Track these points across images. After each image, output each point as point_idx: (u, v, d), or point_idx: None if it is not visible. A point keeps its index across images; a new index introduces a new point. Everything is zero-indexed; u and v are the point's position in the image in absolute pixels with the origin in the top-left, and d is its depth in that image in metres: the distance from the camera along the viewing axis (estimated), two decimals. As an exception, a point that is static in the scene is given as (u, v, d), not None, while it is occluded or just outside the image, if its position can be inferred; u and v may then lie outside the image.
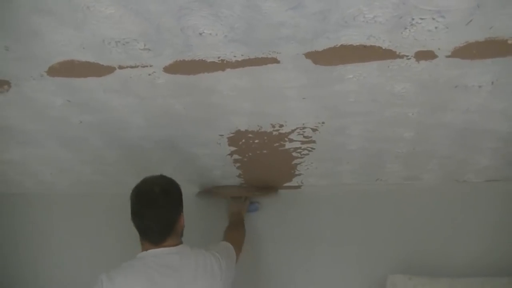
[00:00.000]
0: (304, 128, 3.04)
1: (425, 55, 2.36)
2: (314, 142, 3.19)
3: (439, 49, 2.32)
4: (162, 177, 2.95)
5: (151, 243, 2.87)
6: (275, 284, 3.72)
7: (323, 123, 2.98)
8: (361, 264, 3.62)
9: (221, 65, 2.46)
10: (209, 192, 3.88)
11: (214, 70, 2.49)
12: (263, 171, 3.59)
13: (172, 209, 2.90)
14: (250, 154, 3.35)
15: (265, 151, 3.30)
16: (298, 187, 3.82)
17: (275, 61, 2.41)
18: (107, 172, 3.68)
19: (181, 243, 2.94)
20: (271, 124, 3.01)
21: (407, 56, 2.37)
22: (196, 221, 3.44)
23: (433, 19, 2.13)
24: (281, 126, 3.02)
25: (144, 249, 2.88)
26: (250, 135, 3.11)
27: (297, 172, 3.62)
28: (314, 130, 3.05)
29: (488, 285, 3.27)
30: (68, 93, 2.75)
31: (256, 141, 3.17)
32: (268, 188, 3.85)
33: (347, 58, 2.39)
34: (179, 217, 2.93)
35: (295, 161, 3.45)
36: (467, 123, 2.94)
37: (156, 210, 2.84)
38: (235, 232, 3.50)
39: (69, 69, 2.52)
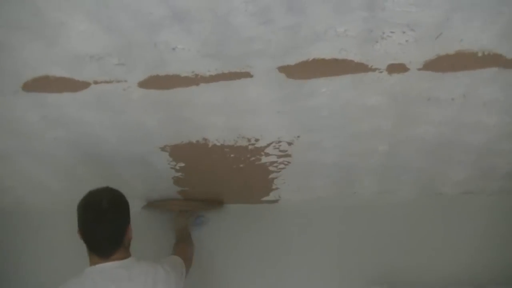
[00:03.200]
0: (279, 142, 3.05)
1: (397, 68, 2.39)
2: (290, 156, 3.19)
3: (410, 62, 2.36)
4: (109, 190, 2.90)
5: (100, 256, 2.81)
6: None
7: (298, 137, 2.99)
8: (338, 279, 3.61)
9: (195, 80, 2.48)
10: (153, 205, 3.83)
11: (188, 84, 2.51)
12: (240, 185, 3.58)
13: (120, 222, 2.85)
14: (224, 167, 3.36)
15: (241, 165, 3.30)
16: (275, 201, 3.79)
17: (248, 75, 2.43)
18: (81, 189, 3.64)
19: (129, 255, 2.88)
20: (247, 139, 3.02)
21: (379, 69, 2.40)
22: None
23: (403, 32, 2.17)
24: (256, 140, 3.03)
25: (92, 263, 2.82)
26: (226, 149, 3.11)
27: (274, 186, 3.61)
28: (289, 144, 3.06)
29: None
30: (42, 109, 2.74)
31: (232, 155, 3.18)
32: (213, 201, 3.82)
33: (320, 71, 2.41)
34: (127, 229, 2.87)
35: (272, 175, 3.45)
36: (440, 136, 2.96)
37: (105, 224, 2.80)
38: (183, 247, 3.45)
39: (44, 84, 2.53)
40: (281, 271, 3.70)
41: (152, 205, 3.81)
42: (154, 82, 2.50)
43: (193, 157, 3.21)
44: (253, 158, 3.23)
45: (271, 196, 3.75)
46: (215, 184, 3.60)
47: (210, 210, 3.84)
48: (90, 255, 2.84)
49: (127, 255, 2.86)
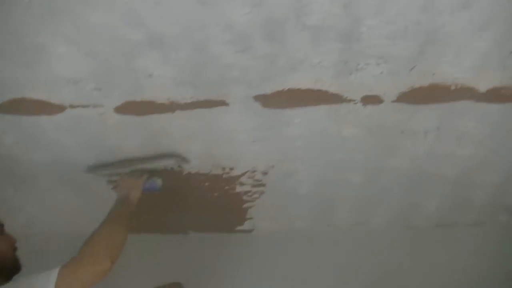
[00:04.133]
0: (254, 171, 3.06)
1: (372, 99, 2.42)
2: (264, 185, 3.20)
3: (384, 93, 2.38)
4: None
5: None
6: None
7: (273, 166, 3.00)
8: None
9: (171, 107, 2.49)
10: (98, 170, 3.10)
11: (164, 111, 2.52)
12: (214, 213, 3.57)
13: None
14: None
15: (216, 194, 3.30)
16: (250, 231, 3.79)
17: (224, 103, 2.45)
18: (58, 212, 3.63)
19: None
20: (222, 167, 3.02)
21: (354, 100, 2.42)
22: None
23: (378, 64, 2.19)
24: (231, 169, 3.03)
25: None
26: (201, 177, 3.11)
27: (248, 216, 3.61)
28: (264, 173, 3.07)
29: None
30: (18, 131, 2.74)
31: (207, 184, 3.18)
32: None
33: (295, 101, 2.44)
34: None
35: (246, 205, 3.45)
36: (415, 168, 2.98)
37: None
38: (106, 229, 2.54)
39: (20, 106, 2.53)
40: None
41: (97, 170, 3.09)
42: (130, 108, 2.51)
43: (166, 183, 3.17)
44: (227, 187, 3.23)
45: (246, 225, 3.74)
46: (187, 212, 3.58)
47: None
48: None
49: None
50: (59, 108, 2.54)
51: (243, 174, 3.09)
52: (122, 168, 3.02)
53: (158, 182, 3.09)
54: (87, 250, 2.41)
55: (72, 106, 2.52)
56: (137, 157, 2.98)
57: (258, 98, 2.42)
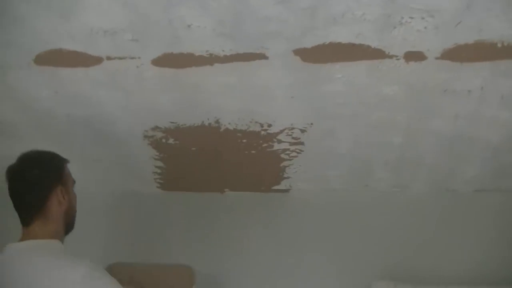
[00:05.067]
0: (292, 128, 3.02)
1: (415, 56, 2.37)
2: (302, 144, 3.17)
3: (428, 50, 2.33)
4: (29, 151, 2.57)
5: (23, 226, 2.46)
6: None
7: (311, 124, 2.97)
8: (346, 270, 3.59)
9: (209, 60, 2.46)
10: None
11: (202, 64, 2.49)
12: (250, 172, 3.56)
13: (33, 182, 2.47)
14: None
15: (253, 152, 3.28)
16: (286, 191, 3.78)
17: (263, 57, 2.41)
18: (93, 170, 3.63)
19: (55, 237, 2.45)
20: (260, 124, 2.99)
21: (396, 56, 2.37)
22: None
23: (423, 18, 2.14)
24: (269, 125, 3.00)
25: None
26: (238, 134, 3.09)
27: (285, 175, 3.59)
28: (302, 131, 3.04)
29: (472, 295, 3.27)
30: (55, 84, 2.73)
31: (244, 141, 3.15)
32: None
33: (336, 56, 2.39)
34: (48, 196, 2.47)
35: (284, 164, 3.43)
36: (456, 130, 2.93)
37: (16, 184, 2.48)
38: None
39: (57, 58, 2.51)
40: (288, 261, 3.68)
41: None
42: (167, 60, 2.48)
43: (203, 140, 3.18)
44: (265, 145, 3.21)
45: (282, 185, 3.73)
46: (221, 170, 3.56)
47: None
48: None
49: (50, 234, 2.45)
50: (96, 60, 2.52)
51: (281, 131, 3.05)
52: None
53: None
54: None
55: (109, 58, 2.50)
56: None
57: (298, 52, 2.37)
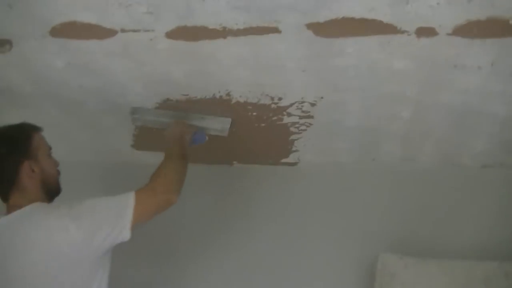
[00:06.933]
0: (303, 102, 3.04)
1: (426, 31, 2.38)
2: (312, 117, 3.19)
3: (440, 26, 2.34)
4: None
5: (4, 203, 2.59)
6: (265, 260, 3.70)
7: (322, 98, 2.98)
8: (353, 243, 3.61)
9: (223, 33, 2.47)
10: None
11: (215, 37, 2.51)
12: (259, 145, 3.58)
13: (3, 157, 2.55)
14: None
15: (263, 125, 3.30)
16: (295, 164, 3.79)
17: (276, 30, 2.43)
18: (104, 139, 3.66)
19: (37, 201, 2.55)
20: (270, 97, 3.01)
21: (407, 32, 2.38)
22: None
23: (436, -7, 2.15)
24: (280, 99, 3.02)
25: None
26: (249, 106, 3.11)
27: (294, 148, 3.60)
28: (312, 104, 3.05)
29: (477, 268, 3.27)
30: (69, 55, 2.75)
31: (254, 113, 3.17)
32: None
33: (348, 31, 2.40)
34: (17, 171, 2.54)
35: (293, 137, 3.45)
36: (465, 104, 2.94)
37: None
38: (167, 165, 2.81)
39: (71, 30, 2.53)
40: (296, 234, 3.70)
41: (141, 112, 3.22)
42: (181, 33, 2.50)
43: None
44: (275, 118, 3.23)
45: (291, 158, 3.74)
46: (230, 143, 3.55)
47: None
48: None
49: (31, 201, 2.53)
50: (110, 32, 2.54)
51: (292, 104, 3.07)
52: (166, 118, 3.18)
53: (205, 136, 3.26)
54: (160, 181, 2.67)
55: (123, 30, 2.52)
56: (182, 112, 3.16)
57: (310, 26, 2.38)
